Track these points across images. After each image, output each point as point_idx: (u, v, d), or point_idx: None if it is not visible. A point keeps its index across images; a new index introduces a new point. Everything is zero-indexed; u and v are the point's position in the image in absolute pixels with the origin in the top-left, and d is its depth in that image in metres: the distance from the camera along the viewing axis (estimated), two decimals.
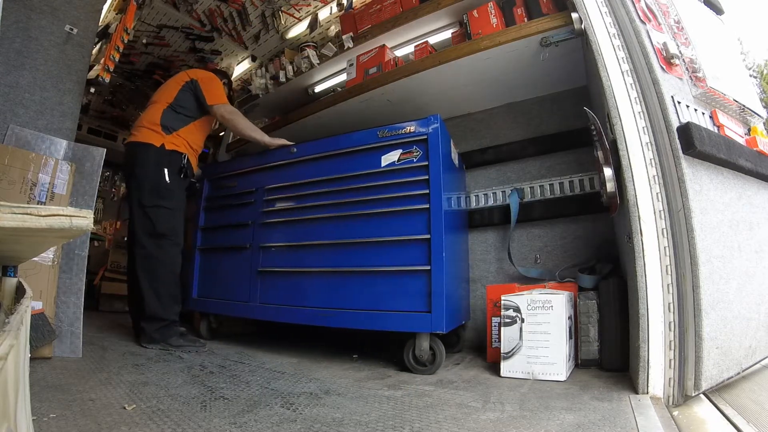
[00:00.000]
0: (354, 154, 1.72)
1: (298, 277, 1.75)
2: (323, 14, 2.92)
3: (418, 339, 1.48)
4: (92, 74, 2.31)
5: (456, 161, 1.85)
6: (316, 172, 1.80)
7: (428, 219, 1.53)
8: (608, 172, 1.28)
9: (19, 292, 0.75)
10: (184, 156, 1.90)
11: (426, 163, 1.56)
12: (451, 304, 1.53)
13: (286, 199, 1.88)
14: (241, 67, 3.48)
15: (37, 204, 1.39)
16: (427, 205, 1.54)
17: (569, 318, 1.41)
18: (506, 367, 1.38)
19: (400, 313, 1.49)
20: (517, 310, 1.40)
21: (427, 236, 1.51)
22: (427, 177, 1.56)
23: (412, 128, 1.61)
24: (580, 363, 1.46)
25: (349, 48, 2.28)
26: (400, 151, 1.62)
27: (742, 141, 1.43)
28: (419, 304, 1.49)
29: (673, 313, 1.12)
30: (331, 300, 1.65)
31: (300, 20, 3.01)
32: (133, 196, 1.84)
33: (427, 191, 1.55)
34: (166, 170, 1.82)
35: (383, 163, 1.64)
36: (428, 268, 1.49)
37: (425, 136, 1.59)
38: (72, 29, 1.67)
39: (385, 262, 1.57)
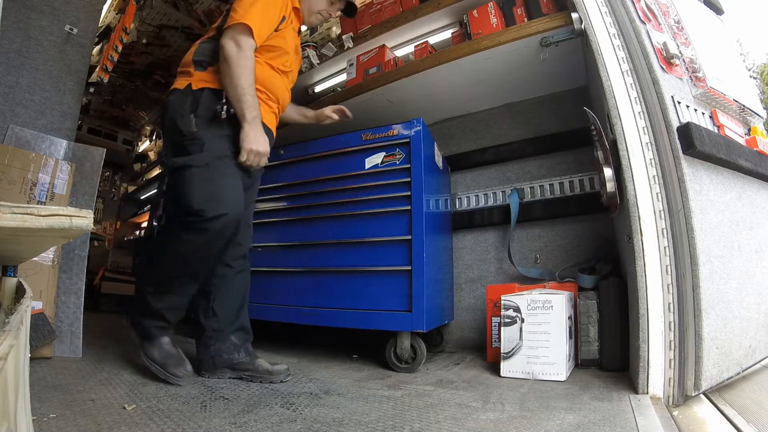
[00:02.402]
0: (339, 156, 1.74)
1: (285, 277, 1.77)
2: None
3: (400, 337, 1.51)
4: (93, 78, 2.31)
5: (440, 164, 1.87)
6: (303, 174, 1.81)
7: (409, 220, 1.55)
8: (608, 172, 1.28)
9: (19, 292, 0.75)
10: (222, 93, 1.28)
11: (408, 165, 1.59)
12: (431, 304, 1.55)
13: (272, 200, 1.89)
14: None
15: (37, 204, 1.40)
16: (409, 207, 1.57)
17: (569, 318, 1.41)
18: (506, 367, 1.38)
19: (383, 312, 1.52)
20: (517, 310, 1.40)
21: (408, 237, 1.54)
22: (408, 179, 1.58)
23: (395, 131, 1.64)
24: (580, 363, 1.46)
25: (349, 48, 2.28)
26: (384, 153, 1.64)
27: (742, 141, 1.43)
28: (400, 303, 1.52)
29: (673, 313, 1.12)
30: (316, 299, 1.67)
31: None
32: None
33: (409, 193, 1.57)
34: (192, 115, 1.26)
35: (367, 166, 1.66)
36: (409, 268, 1.52)
37: (407, 139, 1.61)
38: (72, 29, 1.67)
39: (368, 262, 1.59)
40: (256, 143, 1.27)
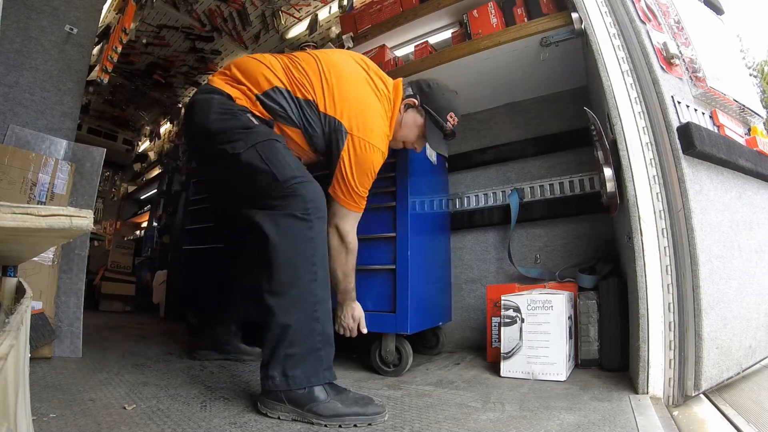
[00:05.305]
0: None
1: None
2: (323, 14, 2.92)
3: (384, 339, 1.47)
4: (92, 76, 2.31)
5: (433, 159, 1.82)
6: None
7: (394, 217, 1.51)
8: (608, 172, 1.28)
9: (19, 292, 0.75)
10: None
11: (393, 160, 1.54)
12: (418, 305, 1.51)
13: None
14: None
15: (37, 204, 1.40)
16: (394, 203, 1.52)
17: (569, 318, 1.41)
18: (506, 367, 1.38)
19: (367, 312, 1.44)
20: (517, 310, 1.40)
21: (393, 234, 1.50)
22: (393, 174, 1.54)
23: None
24: (580, 363, 1.46)
25: (349, 48, 2.28)
26: None
27: (742, 141, 1.43)
28: (384, 303, 1.47)
29: (673, 313, 1.12)
30: None
31: (300, 20, 3.01)
32: None
33: (394, 189, 1.53)
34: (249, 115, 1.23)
35: None
36: (393, 267, 1.47)
37: None
38: (72, 29, 1.67)
39: None
40: (352, 320, 1.39)
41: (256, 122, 1.16)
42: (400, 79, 1.43)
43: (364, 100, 1.25)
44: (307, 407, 0.98)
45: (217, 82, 1.23)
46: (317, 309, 1.04)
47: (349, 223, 1.28)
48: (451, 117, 1.38)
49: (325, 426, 0.96)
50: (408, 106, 1.38)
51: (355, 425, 0.96)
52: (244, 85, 1.20)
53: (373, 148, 1.22)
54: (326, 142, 1.24)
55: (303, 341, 1.02)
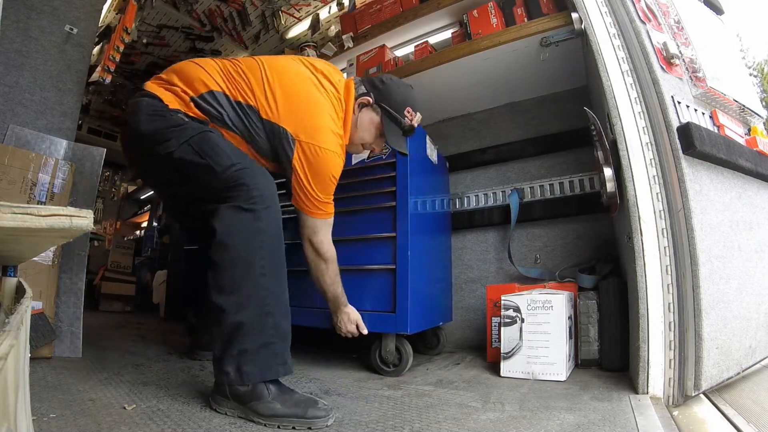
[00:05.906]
0: None
1: None
2: (323, 14, 2.92)
3: (385, 339, 1.46)
4: (94, 77, 2.31)
5: (434, 159, 1.81)
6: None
7: (394, 217, 1.51)
8: (608, 172, 1.28)
9: (19, 292, 0.75)
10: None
11: (393, 160, 1.54)
12: (419, 305, 1.50)
13: None
14: None
15: (37, 204, 1.40)
16: (394, 203, 1.51)
17: (569, 318, 1.41)
18: (506, 367, 1.38)
19: (367, 312, 1.45)
20: (517, 310, 1.40)
21: (393, 234, 1.49)
22: (394, 174, 1.54)
23: None
24: (580, 363, 1.46)
25: (349, 48, 2.29)
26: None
27: (742, 141, 1.43)
28: (384, 303, 1.47)
29: (673, 313, 1.12)
30: (297, 298, 1.52)
31: (300, 20, 3.01)
32: None
33: (394, 189, 1.53)
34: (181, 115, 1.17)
35: (353, 161, 1.61)
36: (393, 267, 1.47)
37: None
38: (72, 29, 1.67)
39: (351, 260, 1.53)
40: (350, 323, 1.41)
41: (187, 120, 1.09)
42: (352, 77, 1.36)
43: (309, 103, 1.17)
44: (249, 405, 0.98)
45: (149, 85, 1.15)
46: (268, 303, 1.02)
47: (321, 233, 1.23)
48: (408, 112, 1.33)
49: (264, 425, 0.96)
50: (362, 105, 1.30)
51: (293, 428, 0.95)
52: (177, 86, 1.12)
53: (326, 151, 1.14)
54: (272, 150, 1.17)
55: (256, 337, 1.00)
